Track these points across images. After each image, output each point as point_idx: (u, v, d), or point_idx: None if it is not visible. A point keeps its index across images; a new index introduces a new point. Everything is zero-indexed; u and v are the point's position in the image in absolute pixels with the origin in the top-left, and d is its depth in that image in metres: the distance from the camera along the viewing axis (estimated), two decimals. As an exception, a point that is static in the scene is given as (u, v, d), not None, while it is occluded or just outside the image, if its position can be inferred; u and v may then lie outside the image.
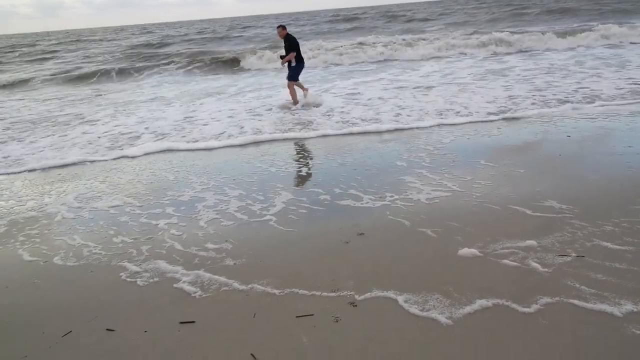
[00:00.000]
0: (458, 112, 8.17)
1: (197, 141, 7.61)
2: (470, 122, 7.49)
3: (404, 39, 21.09)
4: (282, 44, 10.07)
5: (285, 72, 10.22)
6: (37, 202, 5.34)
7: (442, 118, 7.85)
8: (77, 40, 47.91)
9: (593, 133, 6.42)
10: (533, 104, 8.41)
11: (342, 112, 8.90)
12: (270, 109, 9.71)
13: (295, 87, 9.92)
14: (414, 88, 10.90)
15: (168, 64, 20.07)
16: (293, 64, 9.77)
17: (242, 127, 8.27)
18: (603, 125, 6.76)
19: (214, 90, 13.25)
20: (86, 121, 10.07)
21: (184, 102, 11.61)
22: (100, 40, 47.44)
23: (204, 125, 8.76)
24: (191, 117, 9.61)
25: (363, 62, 17.33)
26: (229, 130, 8.17)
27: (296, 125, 8.10)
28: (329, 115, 8.73)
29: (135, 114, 10.40)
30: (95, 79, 18.55)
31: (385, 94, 10.35)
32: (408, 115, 8.18)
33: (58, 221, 4.71)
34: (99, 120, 10.12)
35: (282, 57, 9.92)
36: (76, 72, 19.93)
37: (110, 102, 12.67)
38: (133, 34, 54.42)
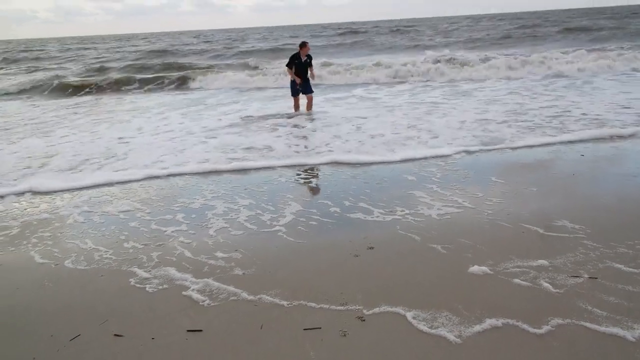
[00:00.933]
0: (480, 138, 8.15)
1: (205, 162, 7.63)
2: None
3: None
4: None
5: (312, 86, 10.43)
6: (50, 204, 5.40)
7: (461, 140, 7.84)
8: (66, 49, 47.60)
9: (607, 153, 6.36)
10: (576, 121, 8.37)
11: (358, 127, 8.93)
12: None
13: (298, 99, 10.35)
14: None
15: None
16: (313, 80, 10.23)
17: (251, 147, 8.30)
18: (617, 145, 6.70)
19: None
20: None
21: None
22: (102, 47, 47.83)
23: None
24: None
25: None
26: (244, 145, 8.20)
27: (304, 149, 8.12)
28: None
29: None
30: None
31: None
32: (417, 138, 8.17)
33: (70, 224, 4.75)
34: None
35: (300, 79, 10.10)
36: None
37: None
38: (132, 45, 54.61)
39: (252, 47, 33.75)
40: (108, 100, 15.22)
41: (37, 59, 35.36)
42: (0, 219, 5.03)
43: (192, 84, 17.61)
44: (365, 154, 6.79)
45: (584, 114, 8.76)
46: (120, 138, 8.81)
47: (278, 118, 9.97)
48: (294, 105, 10.41)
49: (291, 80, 10.18)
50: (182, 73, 19.14)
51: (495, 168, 5.88)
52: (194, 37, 63.20)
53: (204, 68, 20.92)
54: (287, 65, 10.13)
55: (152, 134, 9.09)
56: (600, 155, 6.26)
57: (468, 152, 6.64)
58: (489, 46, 26.01)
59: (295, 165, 6.51)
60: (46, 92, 17.63)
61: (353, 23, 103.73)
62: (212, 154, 7.23)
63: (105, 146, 8.20)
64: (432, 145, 7.06)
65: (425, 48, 24.86)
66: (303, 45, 10.02)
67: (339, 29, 56.95)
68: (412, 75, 16.18)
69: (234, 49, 32.51)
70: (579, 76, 14.30)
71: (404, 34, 40.24)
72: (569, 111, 9.09)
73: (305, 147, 7.45)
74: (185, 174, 6.33)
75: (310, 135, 8.30)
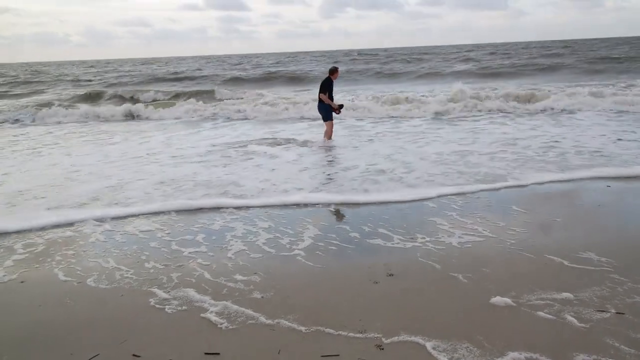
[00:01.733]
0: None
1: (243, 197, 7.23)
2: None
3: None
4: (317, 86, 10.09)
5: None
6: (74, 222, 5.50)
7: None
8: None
9: (634, 185, 6.23)
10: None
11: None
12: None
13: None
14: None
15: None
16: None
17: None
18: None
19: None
20: None
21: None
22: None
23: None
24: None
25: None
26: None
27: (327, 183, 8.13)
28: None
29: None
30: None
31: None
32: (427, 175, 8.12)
33: (93, 242, 4.83)
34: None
35: (339, 107, 9.82)
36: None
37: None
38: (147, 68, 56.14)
39: (245, 74, 33.74)
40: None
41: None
42: (25, 236, 5.13)
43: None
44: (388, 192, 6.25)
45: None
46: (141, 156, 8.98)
47: (300, 145, 9.85)
48: (330, 131, 9.88)
49: (326, 105, 9.69)
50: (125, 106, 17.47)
51: (517, 198, 5.80)
52: (207, 61, 64.40)
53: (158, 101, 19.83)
54: (322, 92, 9.65)
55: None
56: (626, 187, 6.13)
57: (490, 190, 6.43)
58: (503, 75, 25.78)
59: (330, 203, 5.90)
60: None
61: (376, 49, 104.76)
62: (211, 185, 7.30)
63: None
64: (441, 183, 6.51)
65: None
66: (335, 70, 9.82)
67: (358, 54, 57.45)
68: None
69: (227, 74, 32.95)
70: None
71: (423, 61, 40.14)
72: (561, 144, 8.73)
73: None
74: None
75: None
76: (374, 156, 8.35)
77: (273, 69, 37.70)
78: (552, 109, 13.70)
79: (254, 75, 32.11)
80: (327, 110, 9.78)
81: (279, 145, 9.90)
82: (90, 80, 35.08)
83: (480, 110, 14.04)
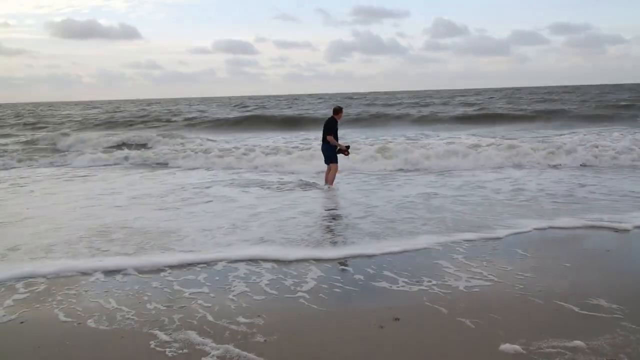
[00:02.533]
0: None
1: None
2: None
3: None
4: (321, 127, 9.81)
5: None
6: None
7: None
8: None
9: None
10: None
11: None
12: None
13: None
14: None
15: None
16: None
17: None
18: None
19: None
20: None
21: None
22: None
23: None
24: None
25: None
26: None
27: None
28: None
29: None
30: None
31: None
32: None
33: (94, 282, 4.77)
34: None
35: (347, 148, 9.61)
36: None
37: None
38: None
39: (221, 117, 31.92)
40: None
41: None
42: (28, 274, 5.07)
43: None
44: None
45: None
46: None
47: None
48: (334, 174, 9.64)
49: (333, 147, 9.48)
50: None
51: (523, 242, 5.73)
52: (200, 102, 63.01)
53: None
54: (329, 133, 9.45)
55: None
56: (635, 232, 6.06)
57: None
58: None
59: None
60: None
61: (385, 93, 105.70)
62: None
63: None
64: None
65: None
66: (339, 110, 9.68)
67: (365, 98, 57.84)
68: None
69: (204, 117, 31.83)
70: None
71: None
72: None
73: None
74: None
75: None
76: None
77: (257, 112, 35.96)
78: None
79: (231, 117, 30.84)
80: (333, 151, 9.57)
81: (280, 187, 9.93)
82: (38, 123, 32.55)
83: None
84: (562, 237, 5.88)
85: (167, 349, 3.39)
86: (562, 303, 3.94)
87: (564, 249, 5.40)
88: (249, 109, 42.27)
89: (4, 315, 4.04)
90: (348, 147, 9.73)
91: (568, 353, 3.17)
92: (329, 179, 9.66)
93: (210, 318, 3.87)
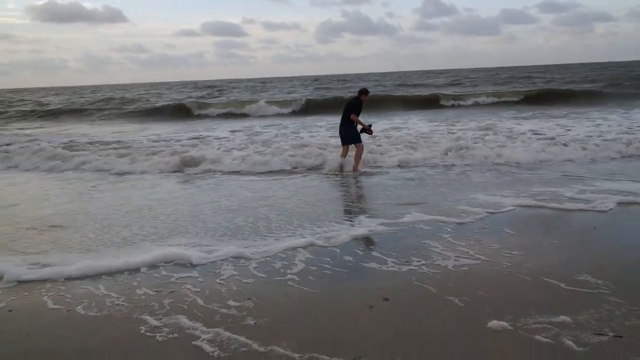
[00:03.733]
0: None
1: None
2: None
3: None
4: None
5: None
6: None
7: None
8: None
9: (631, 207, 6.22)
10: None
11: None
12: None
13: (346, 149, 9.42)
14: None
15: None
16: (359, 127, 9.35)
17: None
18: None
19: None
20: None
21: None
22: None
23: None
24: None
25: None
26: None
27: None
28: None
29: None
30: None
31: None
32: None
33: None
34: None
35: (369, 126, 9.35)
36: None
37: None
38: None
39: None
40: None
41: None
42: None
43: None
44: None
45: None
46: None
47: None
48: (360, 153, 9.28)
49: (354, 127, 9.26)
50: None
51: (511, 220, 5.78)
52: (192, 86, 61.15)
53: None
54: (354, 112, 9.17)
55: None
56: (622, 209, 6.12)
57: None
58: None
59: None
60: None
61: (374, 74, 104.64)
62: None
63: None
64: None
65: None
66: (366, 92, 9.42)
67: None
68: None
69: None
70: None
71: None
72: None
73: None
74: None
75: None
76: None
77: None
78: None
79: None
80: (357, 131, 9.26)
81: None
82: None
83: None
84: (549, 214, 5.93)
85: (158, 334, 3.39)
86: (548, 279, 3.98)
87: (550, 226, 5.45)
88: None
89: (-8, 304, 4.01)
90: (370, 125, 9.44)
91: (554, 328, 3.22)
92: (356, 160, 9.23)
93: (200, 302, 3.88)
